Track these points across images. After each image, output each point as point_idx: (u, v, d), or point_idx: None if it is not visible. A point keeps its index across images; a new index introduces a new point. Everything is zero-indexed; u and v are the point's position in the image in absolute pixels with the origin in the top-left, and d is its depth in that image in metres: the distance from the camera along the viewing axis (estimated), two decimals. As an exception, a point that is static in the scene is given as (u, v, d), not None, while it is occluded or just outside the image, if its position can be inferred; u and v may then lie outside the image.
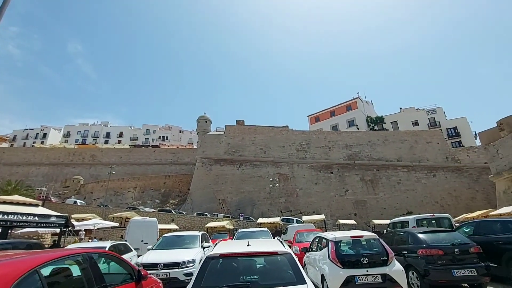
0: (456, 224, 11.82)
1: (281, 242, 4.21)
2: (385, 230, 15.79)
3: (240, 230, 12.00)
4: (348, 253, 5.70)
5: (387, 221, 18.22)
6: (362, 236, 5.87)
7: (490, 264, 6.10)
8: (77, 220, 21.73)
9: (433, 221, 10.43)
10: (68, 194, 49.22)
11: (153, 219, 16.58)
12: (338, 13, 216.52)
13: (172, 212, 32.74)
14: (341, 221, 30.10)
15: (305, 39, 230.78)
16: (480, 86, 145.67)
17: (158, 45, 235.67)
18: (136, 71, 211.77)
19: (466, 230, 7.71)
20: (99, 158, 59.45)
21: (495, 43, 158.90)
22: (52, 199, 40.11)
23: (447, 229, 8.35)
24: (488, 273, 5.83)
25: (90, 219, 21.80)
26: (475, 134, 45.58)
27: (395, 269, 5.37)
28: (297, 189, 38.76)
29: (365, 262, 5.40)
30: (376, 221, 28.96)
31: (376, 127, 48.50)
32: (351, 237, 5.88)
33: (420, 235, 6.60)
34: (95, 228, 20.68)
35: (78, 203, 38.48)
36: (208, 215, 32.20)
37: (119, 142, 72.53)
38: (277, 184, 34.73)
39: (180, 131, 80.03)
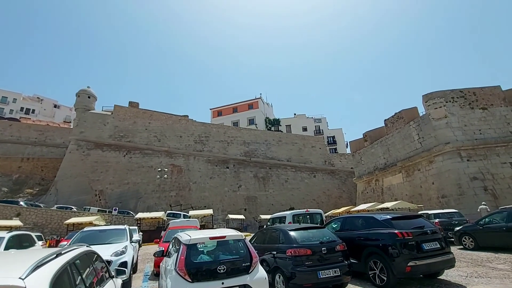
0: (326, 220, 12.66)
1: None
2: (264, 225, 15.91)
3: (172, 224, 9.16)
4: (202, 261, 4.36)
5: (271, 216, 18.65)
6: (224, 237, 4.66)
7: (352, 261, 5.96)
8: None
9: (307, 216, 10.65)
10: None
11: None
12: (258, 9, 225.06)
13: (21, 204, 25.03)
14: (231, 216, 30.05)
15: (218, 31, 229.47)
16: (353, 106, 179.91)
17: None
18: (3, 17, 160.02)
19: (334, 226, 7.78)
20: None
21: (365, 77, 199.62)
22: None
23: (318, 225, 8.32)
24: (349, 271, 5.66)
25: None
26: (347, 143, 54.73)
27: (257, 277, 4.37)
28: (191, 183, 36.75)
29: (222, 271, 4.17)
30: (263, 216, 30.18)
31: (273, 128, 51.68)
32: (210, 238, 4.58)
33: (292, 233, 6.01)
34: None
35: None
36: (74, 209, 26.27)
37: (-49, 107, 52.51)
38: (165, 176, 31.78)
39: (56, 106, 64.62)
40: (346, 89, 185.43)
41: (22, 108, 57.22)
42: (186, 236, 4.69)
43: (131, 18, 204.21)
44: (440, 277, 6.66)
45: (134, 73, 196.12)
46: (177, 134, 39.92)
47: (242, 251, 4.66)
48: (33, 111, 58.50)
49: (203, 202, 35.34)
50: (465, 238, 10.83)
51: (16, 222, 19.31)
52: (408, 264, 5.52)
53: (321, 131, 53.65)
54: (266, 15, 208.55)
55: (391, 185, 26.00)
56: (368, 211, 20.86)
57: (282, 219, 10.71)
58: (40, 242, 14.64)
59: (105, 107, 45.11)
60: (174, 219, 19.80)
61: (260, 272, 4.53)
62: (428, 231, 6.04)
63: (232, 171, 39.01)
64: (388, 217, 6.40)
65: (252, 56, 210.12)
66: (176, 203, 34.39)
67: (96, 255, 3.60)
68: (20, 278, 1.71)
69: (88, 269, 3.06)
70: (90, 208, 28.64)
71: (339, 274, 5.44)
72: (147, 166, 36.53)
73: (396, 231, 5.87)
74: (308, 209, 10.85)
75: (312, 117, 55.65)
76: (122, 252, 6.97)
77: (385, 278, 5.82)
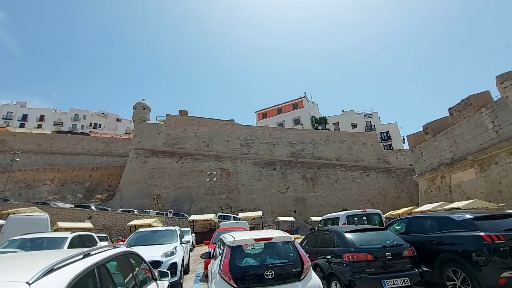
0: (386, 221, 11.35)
1: None
2: (316, 228, 15.04)
3: (140, 230, 9.53)
4: (248, 264, 3.98)
5: (322, 218, 17.67)
6: (271, 239, 4.23)
7: (424, 269, 5.02)
8: None
9: (364, 218, 9.64)
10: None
11: (42, 215, 13.18)
12: (296, 12, 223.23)
13: (92, 208, 28.17)
14: (281, 218, 29.55)
15: (261, 35, 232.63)
16: (408, 98, 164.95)
17: (98, 24, 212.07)
18: (71, 49, 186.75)
19: (397, 228, 6.77)
20: (10, 144, 49.69)
21: (417, 69, 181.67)
22: None
23: (378, 226, 7.34)
24: (422, 281, 4.74)
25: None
26: (403, 138, 50.06)
27: (310, 285, 3.85)
28: (239, 185, 37.27)
29: (269, 276, 3.74)
30: (314, 218, 29.03)
31: (319, 127, 49.87)
32: (255, 239, 4.18)
33: (347, 235, 5.28)
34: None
35: (-33, 196, 30.85)
36: (136, 212, 28.57)
37: (40, 126, 62.02)
38: (214, 179, 32.67)
39: (118, 120, 72.14)
40: (399, 82, 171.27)
41: (90, 124, 65.14)
42: (230, 238, 4.39)
43: (174, 29, 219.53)
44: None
45: (183, 83, 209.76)
46: (224, 139, 40.97)
47: (292, 255, 4.18)
48: (100, 125, 66.12)
49: (252, 204, 35.49)
50: None
51: (87, 224, 21.65)
52: (502, 275, 4.40)
53: (372, 126, 50.01)
54: (307, 17, 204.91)
55: (461, 182, 22.71)
56: (435, 211, 18.47)
57: (335, 221, 9.88)
58: (105, 243, 16.09)
59: (158, 117, 48.59)
60: (225, 221, 20.08)
61: (314, 279, 3.99)
62: (526, 234, 4.78)
63: (279, 172, 38.52)
64: (469, 216, 5.26)
65: (296, 59, 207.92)
66: (226, 205, 35.18)
67: (136, 256, 3.49)
68: (27, 283, 1.49)
69: (125, 271, 2.88)
70: (149, 211, 30.90)
71: (409, 284, 4.59)
72: (198, 170, 38.15)
73: (481, 234, 4.76)
74: (365, 209, 9.83)
75: (362, 113, 52.27)
76: (172, 253, 7.02)
77: (470, 291, 4.75)
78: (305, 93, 55.67)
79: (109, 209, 30.89)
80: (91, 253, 2.35)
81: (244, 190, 36.99)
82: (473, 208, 16.49)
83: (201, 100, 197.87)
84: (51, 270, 1.71)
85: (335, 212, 17.05)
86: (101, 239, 16.72)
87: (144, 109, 43.65)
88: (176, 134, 41.16)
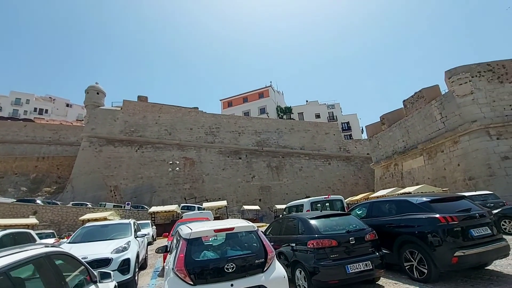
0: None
1: None
2: (280, 215, 15.16)
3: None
4: (206, 258, 3.60)
5: (286, 206, 17.92)
6: (232, 229, 3.88)
7: (384, 251, 5.09)
8: None
9: (327, 204, 9.80)
10: None
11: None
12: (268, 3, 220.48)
13: (38, 202, 25.38)
14: (246, 207, 29.60)
15: (225, 22, 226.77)
16: (367, 90, 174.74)
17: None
18: (11, 23, 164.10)
19: (358, 212, 6.90)
20: None
21: (376, 62, 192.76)
22: None
23: (342, 212, 7.42)
24: (382, 264, 4.80)
25: None
26: (362, 128, 52.94)
27: (274, 276, 3.59)
28: (204, 175, 36.45)
29: (230, 270, 3.41)
30: (279, 206, 29.54)
31: (284, 116, 50.48)
32: (215, 230, 3.80)
33: (312, 222, 5.16)
34: None
35: None
36: (89, 205, 26.45)
37: (-29, 111, 54.14)
38: (177, 168, 31.53)
39: (68, 105, 65.65)
40: (359, 74, 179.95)
41: (35, 109, 58.42)
42: (186, 230, 3.94)
43: (135, 12, 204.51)
44: (488, 268, 5.71)
45: (142, 67, 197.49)
46: (188, 127, 39.52)
47: (255, 245, 3.88)
48: (46, 111, 59.63)
49: (217, 194, 35.02)
50: (505, 221, 9.71)
51: (32, 220, 19.46)
52: (455, 255, 4.59)
53: (334, 117, 51.99)
54: (269, 4, 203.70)
55: (412, 169, 24.63)
56: (388, 196, 19.80)
57: (299, 208, 9.90)
58: (52, 239, 14.57)
59: (114, 102, 45.17)
60: (188, 212, 19.41)
61: (278, 270, 3.75)
62: (476, 214, 5.06)
63: (245, 161, 38.39)
64: (426, 199, 5.44)
65: (261, 46, 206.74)
66: (190, 195, 34.25)
67: (67, 257, 2.92)
68: None
69: (46, 277, 2.32)
70: (106, 204, 28.85)
71: (371, 267, 4.60)
72: (159, 160, 36.42)
73: (437, 216, 4.93)
74: (329, 194, 9.98)
75: (325, 103, 53.94)
76: (124, 249, 6.38)
77: (425, 271, 4.93)
78: (271, 82, 55.85)
79: (58, 203, 28.13)
80: None
81: (209, 179, 36.30)
82: (422, 192, 17.94)
83: (162, 87, 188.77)
84: None
85: (298, 199, 17.39)
86: (47, 235, 15.08)
87: (97, 93, 40.09)
88: (135, 121, 38.65)
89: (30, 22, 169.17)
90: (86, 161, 35.39)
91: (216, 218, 22.38)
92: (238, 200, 35.16)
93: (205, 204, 25.08)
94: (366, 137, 38.06)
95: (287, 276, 3.88)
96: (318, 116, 52.10)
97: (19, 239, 7.27)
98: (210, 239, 4.10)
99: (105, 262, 5.90)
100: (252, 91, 53.63)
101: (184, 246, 3.60)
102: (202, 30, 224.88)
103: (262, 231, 4.79)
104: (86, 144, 36.39)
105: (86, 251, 6.13)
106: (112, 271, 5.87)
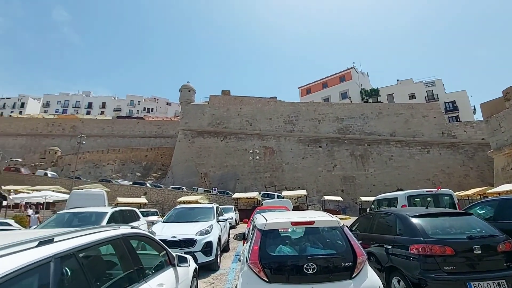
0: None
1: None
2: (368, 209, 13.58)
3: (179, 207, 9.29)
4: (283, 254, 3.15)
5: (374, 198, 16.02)
6: (312, 223, 3.31)
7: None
8: (26, 192, 19.14)
9: (429, 199, 7.98)
10: (45, 166, 46.47)
11: (99, 191, 14.18)
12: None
13: (147, 186, 30.39)
14: (327, 197, 28.29)
15: (301, 7, 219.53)
16: (481, 63, 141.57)
17: (148, 14, 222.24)
18: (124, 41, 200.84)
19: (480, 212, 5.24)
20: (80, 129, 55.99)
21: (498, 24, 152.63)
22: (22, 170, 37.34)
23: (458, 211, 5.83)
24: (524, 286, 3.39)
25: (39, 191, 19.20)
26: (474, 108, 43.22)
27: (367, 285, 2.88)
28: (283, 164, 36.56)
29: (310, 271, 2.88)
30: (364, 198, 27.14)
31: (370, 100, 45.61)
32: (292, 223, 3.30)
33: (415, 221, 4.07)
34: (45, 200, 18.11)
35: (49, 175, 35.89)
36: (185, 189, 30.03)
37: (102, 113, 68.64)
38: (257, 157, 32.38)
39: (167, 103, 76.13)
40: (468, 43, 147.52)
41: (144, 108, 69.88)
42: (261, 219, 3.59)
43: (211, 14, 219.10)
44: None
45: (225, 63, 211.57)
46: (267, 117, 40.13)
47: (341, 244, 3.23)
48: (152, 109, 70.58)
49: (297, 183, 34.66)
50: None
51: (143, 199, 23.31)
52: None
53: (435, 96, 43.95)
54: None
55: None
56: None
57: (392, 202, 8.44)
58: (156, 217, 16.97)
59: (203, 98, 49.56)
60: (268, 199, 19.70)
61: (371, 278, 3.01)
62: None
63: (326, 150, 36.63)
64: None
65: (341, 26, 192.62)
66: (270, 184, 34.98)
67: (146, 238, 3.00)
68: None
69: (121, 257, 2.36)
70: (197, 189, 32.28)
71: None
72: (242, 149, 38.33)
73: None
74: (439, 187, 8.12)
75: (421, 81, 46.14)
76: (207, 232, 6.64)
77: None
78: (353, 63, 51.02)
79: (162, 186, 33.06)
80: (55, 239, 1.73)
81: (289, 168, 36.19)
82: None
83: (243, 79, 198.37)
84: None
85: (388, 191, 15.31)
86: (152, 213, 17.74)
87: (189, 91, 44.73)
88: (220, 114, 41.57)
89: (136, 38, 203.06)
90: (182, 151, 40.24)
91: (295, 207, 22.07)
92: (318, 190, 33.97)
93: (284, 193, 25.08)
94: (480, 118, 30.84)
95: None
96: (412, 96, 45.06)
97: (126, 215, 8.52)
98: (288, 232, 3.66)
99: (191, 242, 6.27)
100: (332, 75, 50.31)
101: (259, 237, 3.25)
102: (276, 13, 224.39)
103: (347, 226, 4.06)
104: (182, 136, 41.27)
105: (175, 231, 6.65)
106: (196, 252, 6.25)
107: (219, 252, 6.91)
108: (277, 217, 3.64)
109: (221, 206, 17.03)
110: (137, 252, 2.72)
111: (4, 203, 17.11)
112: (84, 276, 1.80)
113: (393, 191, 19.08)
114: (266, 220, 3.46)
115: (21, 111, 68.21)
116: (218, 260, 6.74)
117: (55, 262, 1.56)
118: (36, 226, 12.17)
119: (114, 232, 2.40)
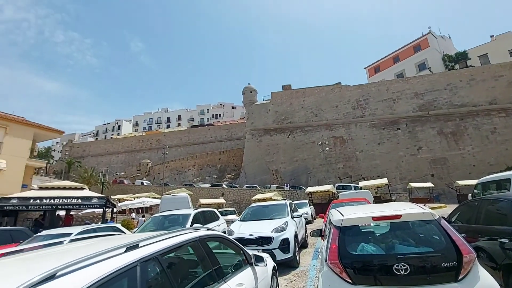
0: None
1: None
2: (469, 196, 11.40)
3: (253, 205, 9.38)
4: (367, 253, 2.78)
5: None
6: (399, 217, 2.82)
7: None
8: (128, 200, 22.66)
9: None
10: (140, 176, 54.50)
11: (183, 195, 15.77)
12: None
13: (223, 187, 32.54)
14: (414, 185, 25.12)
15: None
16: None
17: (205, 32, 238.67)
18: (188, 56, 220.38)
19: None
20: (163, 142, 63.79)
21: None
22: (125, 182, 44.56)
23: None
24: None
25: (138, 198, 22.51)
26: None
27: (480, 289, 2.29)
28: (357, 152, 34.15)
29: (402, 272, 2.45)
30: (462, 182, 23.17)
31: (457, 66, 38.60)
32: (373, 218, 2.88)
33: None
34: (144, 205, 21.17)
35: (145, 184, 41.86)
36: (258, 187, 30.93)
37: (179, 125, 76.68)
38: (327, 148, 31.03)
39: (233, 107, 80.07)
40: None
41: (213, 115, 75.12)
42: (337, 215, 3.25)
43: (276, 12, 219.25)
44: None
45: (282, 57, 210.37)
46: (333, 105, 38.16)
47: (438, 240, 2.66)
48: (220, 115, 75.29)
49: (375, 171, 31.90)
50: None
51: (221, 200, 24.97)
52: None
53: (550, 46, 34.51)
54: None
55: None
56: None
57: (502, 184, 6.81)
58: (234, 215, 17.87)
59: (265, 97, 50.25)
60: (344, 191, 18.61)
61: (484, 280, 2.38)
62: None
63: (406, 131, 32.70)
64: None
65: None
66: (344, 175, 33.14)
67: (222, 239, 3.06)
68: None
69: (200, 258, 2.44)
70: (270, 186, 32.89)
71: None
72: (310, 142, 37.40)
73: None
74: None
75: (527, 31, 36.85)
76: (282, 229, 6.54)
77: None
78: (429, 28, 43.80)
79: (237, 186, 34.88)
80: (140, 244, 1.85)
81: (364, 156, 33.60)
82: None
83: (302, 71, 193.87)
84: (50, 277, 1.23)
85: (493, 172, 12.60)
86: (231, 212, 18.82)
87: (251, 92, 45.99)
88: (283, 110, 41.47)
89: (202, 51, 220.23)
90: (251, 151, 41.67)
91: (376, 198, 20.25)
92: (402, 177, 30.53)
93: (361, 183, 23.31)
94: None
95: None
96: (515, 52, 36.30)
97: (207, 216, 9.16)
98: (370, 227, 3.26)
99: (268, 240, 6.28)
100: (404, 46, 44.43)
101: (336, 235, 2.95)
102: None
103: (444, 218, 3.39)
104: (249, 136, 42.73)
105: (252, 229, 6.77)
106: (274, 249, 6.25)
107: (297, 249, 6.75)
108: (355, 212, 3.26)
109: (294, 202, 16.88)
110: (216, 252, 2.78)
111: (114, 210, 20.73)
112: (167, 277, 1.89)
113: (501, 171, 15.56)
114: (343, 215, 3.12)
115: (118, 133, 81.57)
116: (297, 257, 6.59)
117: (141, 266, 1.65)
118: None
119: (191, 235, 2.48)
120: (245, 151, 42.69)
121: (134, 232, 8.09)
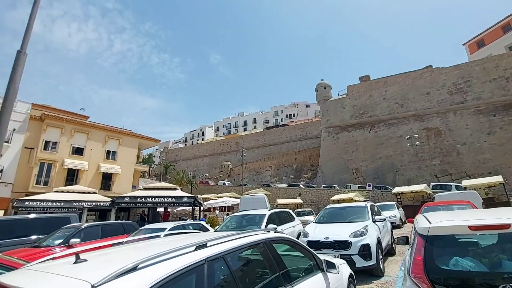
0: None
1: None
2: None
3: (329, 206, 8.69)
4: (462, 269, 2.23)
5: None
6: (508, 226, 2.16)
7: None
8: (213, 199, 24.75)
9: None
10: (222, 178, 59.02)
11: (260, 195, 16.30)
12: None
13: (300, 187, 32.14)
14: (545, 183, 19.55)
15: None
16: None
17: (276, 33, 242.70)
18: (260, 60, 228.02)
19: None
20: (241, 144, 67.69)
21: None
22: (210, 182, 48.98)
23: None
24: None
25: (221, 197, 24.35)
26: None
27: None
28: (458, 145, 28.81)
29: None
30: None
31: None
32: (470, 227, 2.29)
33: None
34: (226, 205, 22.80)
35: (226, 184, 45.08)
36: (337, 187, 29.37)
37: (255, 127, 79.90)
38: (417, 142, 27.10)
39: (306, 106, 78.60)
40: None
41: (287, 115, 75.35)
42: (423, 222, 2.72)
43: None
44: None
45: (358, 47, 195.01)
46: (423, 92, 33.26)
47: None
48: (294, 115, 74.95)
49: (484, 167, 26.25)
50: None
51: (298, 200, 24.75)
52: None
53: None
54: None
55: None
56: None
57: None
58: (311, 216, 17.40)
59: (340, 92, 47.63)
60: (442, 193, 15.89)
61: None
62: None
63: (528, 116, 25.89)
64: None
65: None
66: (442, 172, 28.38)
67: (291, 243, 3.01)
68: (92, 285, 1.26)
69: (266, 260, 2.45)
70: (350, 186, 30.83)
71: None
72: (395, 136, 33.54)
73: None
74: None
75: None
76: (362, 233, 5.95)
77: None
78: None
79: (314, 186, 33.97)
80: (208, 244, 1.99)
81: (467, 149, 28.07)
82: None
83: (381, 59, 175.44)
84: (133, 269, 1.44)
85: None
86: (308, 213, 18.39)
87: (324, 88, 44.27)
88: (361, 103, 38.42)
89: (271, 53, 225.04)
90: (328, 149, 40.04)
91: (487, 200, 16.53)
92: (527, 173, 24.19)
93: (465, 182, 19.33)
94: None
95: None
96: None
97: (282, 216, 9.15)
98: (469, 238, 2.63)
99: (345, 244, 5.84)
100: (520, 10, 35.25)
101: (421, 245, 2.47)
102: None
103: None
104: (325, 134, 41.18)
105: (328, 231, 6.42)
106: (353, 255, 5.74)
107: (381, 256, 6.05)
108: (446, 218, 2.68)
109: (380, 203, 15.34)
110: (284, 255, 2.76)
111: (202, 208, 23.06)
112: (232, 277, 1.96)
113: None
114: (430, 222, 2.60)
115: (202, 138, 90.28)
116: (381, 265, 5.90)
117: (208, 264, 1.77)
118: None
119: (257, 237, 2.52)
120: (321, 150, 41.30)
121: (216, 230, 8.75)
